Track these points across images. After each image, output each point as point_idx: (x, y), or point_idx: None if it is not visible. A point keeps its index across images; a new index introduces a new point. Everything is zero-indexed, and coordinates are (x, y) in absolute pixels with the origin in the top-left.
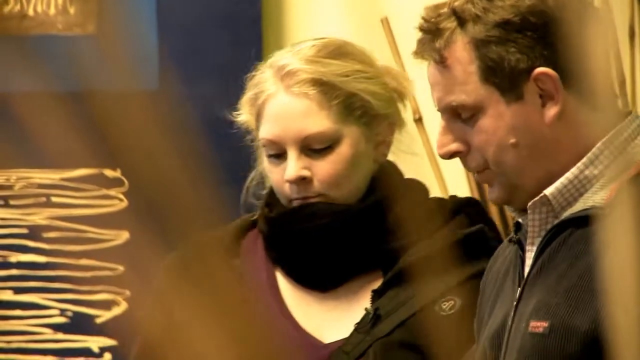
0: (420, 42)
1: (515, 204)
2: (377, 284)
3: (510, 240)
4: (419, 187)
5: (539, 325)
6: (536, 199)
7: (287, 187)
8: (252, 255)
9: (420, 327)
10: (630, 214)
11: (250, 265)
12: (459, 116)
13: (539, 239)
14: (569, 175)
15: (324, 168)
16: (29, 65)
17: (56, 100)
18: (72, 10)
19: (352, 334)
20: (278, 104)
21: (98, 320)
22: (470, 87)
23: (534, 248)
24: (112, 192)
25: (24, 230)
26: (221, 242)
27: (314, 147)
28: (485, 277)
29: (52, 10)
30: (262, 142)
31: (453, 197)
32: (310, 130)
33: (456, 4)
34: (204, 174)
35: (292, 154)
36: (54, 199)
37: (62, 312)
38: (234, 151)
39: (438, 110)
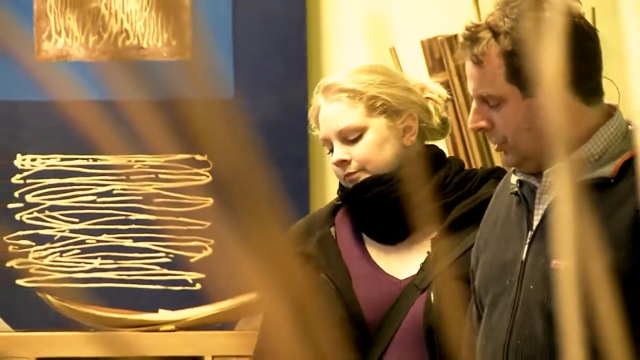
0: (462, 45)
1: (525, 169)
2: (433, 234)
3: (515, 194)
4: (456, 160)
5: (560, 263)
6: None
7: (337, 170)
8: (343, 224)
9: (468, 263)
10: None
11: (343, 231)
12: (487, 103)
13: (547, 196)
14: (579, 152)
15: (357, 151)
16: (143, 81)
17: (161, 106)
18: (173, 43)
19: (419, 272)
20: (322, 111)
21: (192, 260)
22: (497, 84)
23: (542, 203)
24: (200, 171)
25: (140, 197)
26: (320, 216)
27: (349, 138)
28: (484, 221)
29: (160, 43)
30: (322, 144)
31: (483, 168)
32: (343, 125)
33: (491, 19)
34: (265, 162)
35: (335, 145)
36: (160, 175)
37: (167, 254)
38: (288, 145)
39: (473, 96)
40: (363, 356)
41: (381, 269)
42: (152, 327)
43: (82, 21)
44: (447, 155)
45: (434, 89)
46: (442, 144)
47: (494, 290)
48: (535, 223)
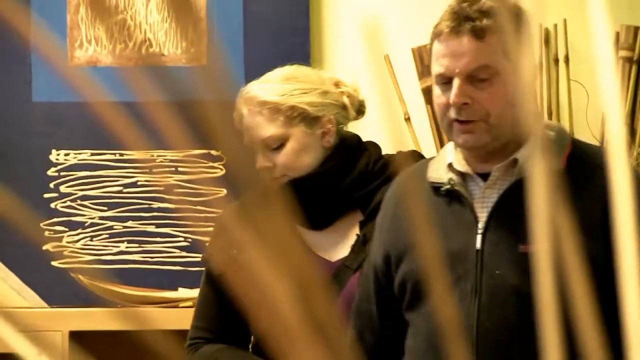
0: (459, 20)
1: (480, 153)
2: (360, 218)
3: (448, 191)
4: (374, 146)
5: (530, 248)
6: (507, 161)
7: (263, 174)
8: None
9: None
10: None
11: None
12: (473, 78)
13: (491, 191)
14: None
15: (279, 159)
16: (164, 84)
17: (179, 107)
18: (192, 50)
19: (350, 253)
20: (245, 120)
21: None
22: (497, 57)
23: (486, 197)
24: (215, 164)
25: (161, 188)
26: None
27: (272, 146)
28: (390, 213)
29: (179, 51)
30: None
31: (401, 152)
32: (264, 135)
33: (491, 7)
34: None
35: (259, 152)
36: (179, 168)
37: (185, 238)
38: None
39: (459, 72)
40: None
41: (313, 251)
42: (172, 303)
43: (110, 31)
44: (366, 141)
45: (349, 82)
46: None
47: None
48: (484, 215)
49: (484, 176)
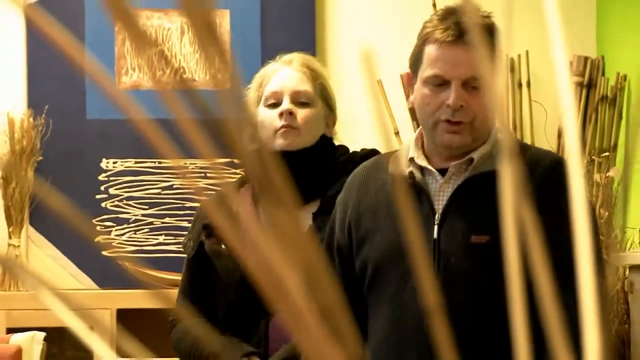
0: (464, 30)
1: (461, 150)
2: (314, 209)
3: (412, 180)
4: (343, 147)
5: (482, 238)
6: (464, 159)
7: (275, 119)
8: (245, 198)
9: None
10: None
11: (243, 205)
12: (467, 85)
13: (447, 185)
14: (486, 146)
15: (303, 114)
16: (195, 105)
17: (207, 123)
18: (219, 76)
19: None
20: (282, 73)
21: None
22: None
23: (443, 191)
24: (237, 170)
25: (193, 190)
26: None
27: (300, 100)
28: (351, 200)
29: (208, 77)
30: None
31: (364, 149)
32: (302, 88)
33: (487, 21)
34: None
35: (285, 100)
36: (208, 174)
37: None
38: None
39: (459, 78)
40: (259, 313)
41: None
42: None
43: (150, 61)
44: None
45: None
46: None
47: (400, 267)
48: (441, 208)
49: (442, 172)
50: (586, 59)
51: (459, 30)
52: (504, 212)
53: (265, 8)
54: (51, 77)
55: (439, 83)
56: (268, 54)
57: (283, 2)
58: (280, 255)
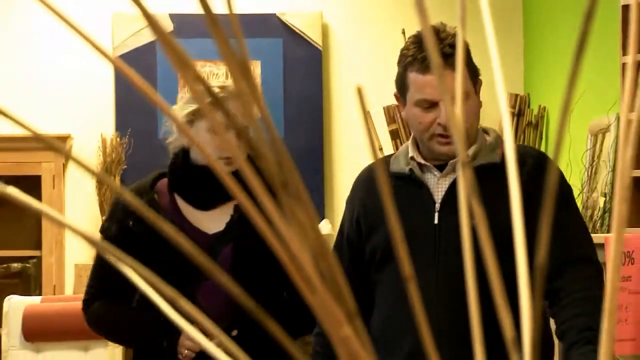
0: (441, 57)
1: (453, 156)
2: (235, 203)
3: (409, 179)
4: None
5: (477, 223)
6: (459, 157)
7: None
8: (163, 192)
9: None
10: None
11: (163, 198)
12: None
13: (444, 180)
14: (477, 145)
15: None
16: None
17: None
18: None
19: (224, 228)
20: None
21: None
22: (467, 83)
23: (441, 184)
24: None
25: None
26: (145, 186)
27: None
28: (357, 198)
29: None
30: None
31: None
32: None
33: (455, 40)
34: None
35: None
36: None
37: None
38: (308, 174)
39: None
40: (183, 288)
41: (194, 225)
42: None
43: (197, 92)
44: None
45: None
46: None
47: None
48: (439, 197)
49: (437, 167)
50: (516, 95)
51: (447, 54)
52: (514, 200)
53: (287, 60)
54: (132, 108)
55: (428, 105)
56: (288, 93)
57: (299, 56)
58: (297, 238)
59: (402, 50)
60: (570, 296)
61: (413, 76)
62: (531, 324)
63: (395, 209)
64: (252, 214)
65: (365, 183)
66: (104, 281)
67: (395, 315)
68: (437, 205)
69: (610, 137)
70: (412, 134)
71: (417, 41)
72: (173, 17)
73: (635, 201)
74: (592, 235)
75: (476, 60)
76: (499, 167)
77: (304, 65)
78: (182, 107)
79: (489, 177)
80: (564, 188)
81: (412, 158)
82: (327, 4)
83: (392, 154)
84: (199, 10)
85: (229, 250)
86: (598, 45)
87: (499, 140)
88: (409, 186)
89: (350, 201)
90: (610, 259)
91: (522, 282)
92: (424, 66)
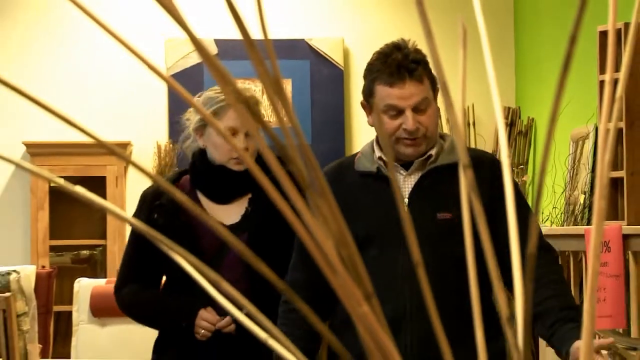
0: (405, 70)
1: (416, 157)
2: (249, 197)
3: (376, 176)
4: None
5: (446, 215)
6: (424, 157)
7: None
8: (182, 188)
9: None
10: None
11: (183, 193)
12: (417, 109)
13: (413, 175)
14: (437, 147)
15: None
16: (269, 135)
17: (278, 147)
18: (284, 118)
19: (240, 219)
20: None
21: None
22: (429, 92)
23: (407, 181)
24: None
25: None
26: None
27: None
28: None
29: (275, 119)
30: None
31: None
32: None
33: (419, 56)
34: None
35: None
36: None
37: None
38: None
39: (409, 106)
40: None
41: (212, 217)
42: None
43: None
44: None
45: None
46: None
47: (379, 239)
48: (407, 193)
49: (403, 166)
50: (509, 108)
51: (400, 71)
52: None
53: (313, 78)
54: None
55: (394, 112)
56: (314, 105)
57: (324, 74)
58: (321, 229)
59: (368, 64)
60: (541, 280)
61: (380, 88)
62: (524, 304)
63: (365, 204)
64: (281, 205)
65: (333, 180)
66: (133, 269)
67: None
68: (406, 200)
69: (589, 144)
70: (375, 137)
71: (382, 56)
72: (217, 42)
73: (611, 198)
74: (574, 227)
75: (474, 78)
76: (456, 167)
77: (328, 82)
78: (196, 112)
79: (450, 175)
80: (517, 187)
81: (379, 158)
82: (348, 32)
83: (353, 155)
84: (239, 36)
85: (244, 238)
86: (579, 66)
87: (454, 145)
88: (376, 183)
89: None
90: (591, 247)
91: (516, 269)
92: (392, 79)
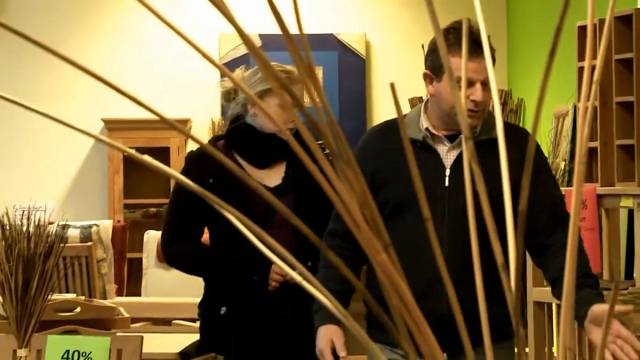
0: (477, 44)
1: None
2: (285, 162)
3: (422, 145)
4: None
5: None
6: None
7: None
8: (222, 154)
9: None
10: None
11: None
12: (482, 84)
13: (457, 148)
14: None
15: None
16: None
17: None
18: (316, 100)
19: (282, 182)
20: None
21: None
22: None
23: (450, 152)
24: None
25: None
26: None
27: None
28: (369, 155)
29: (309, 100)
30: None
31: None
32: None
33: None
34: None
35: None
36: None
37: None
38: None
39: (481, 81)
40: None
41: (258, 181)
42: None
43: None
44: None
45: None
46: None
47: (417, 205)
48: (450, 163)
49: (448, 138)
50: (502, 90)
51: (476, 45)
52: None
53: (340, 66)
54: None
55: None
56: (341, 89)
57: (349, 63)
58: (347, 191)
59: (436, 39)
60: (564, 249)
61: (457, 60)
62: (515, 253)
63: (407, 169)
64: (312, 169)
65: (379, 141)
66: (179, 226)
67: (403, 261)
68: (448, 171)
69: (568, 120)
70: (423, 107)
71: (456, 32)
72: (261, 36)
73: (587, 164)
74: None
75: None
76: (495, 142)
77: (352, 70)
78: (253, 85)
79: (490, 150)
80: (546, 162)
81: (426, 129)
82: (370, 28)
83: (395, 118)
84: (280, 31)
85: (291, 198)
86: (561, 54)
87: (493, 121)
88: (421, 151)
89: (361, 155)
90: (572, 205)
91: (509, 224)
92: (469, 53)
